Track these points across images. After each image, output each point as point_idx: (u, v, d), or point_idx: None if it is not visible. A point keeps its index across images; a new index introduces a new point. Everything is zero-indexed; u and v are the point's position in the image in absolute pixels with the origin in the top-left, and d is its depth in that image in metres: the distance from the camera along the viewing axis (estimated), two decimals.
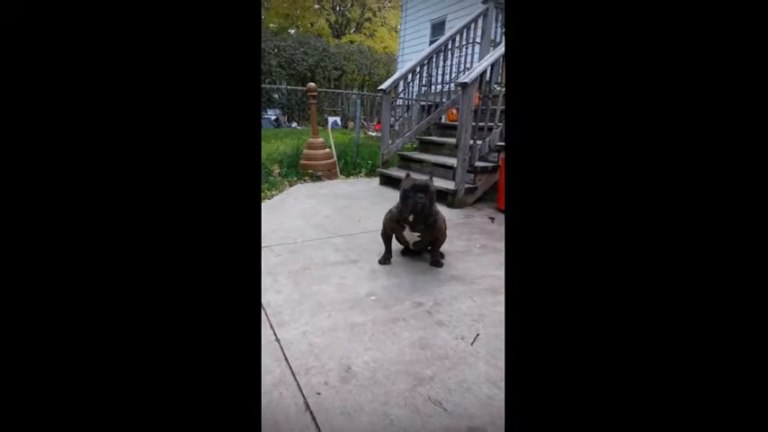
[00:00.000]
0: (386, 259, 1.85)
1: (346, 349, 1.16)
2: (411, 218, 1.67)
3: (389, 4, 16.43)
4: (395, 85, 3.79)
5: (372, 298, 1.49)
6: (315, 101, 3.90)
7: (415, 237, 1.77)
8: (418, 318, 1.36)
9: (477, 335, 1.26)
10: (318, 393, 0.97)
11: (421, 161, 3.59)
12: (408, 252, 1.97)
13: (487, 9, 4.19)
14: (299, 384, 1.00)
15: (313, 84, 3.93)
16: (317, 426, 0.88)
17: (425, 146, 4.01)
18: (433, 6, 7.94)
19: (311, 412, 0.91)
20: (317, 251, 1.97)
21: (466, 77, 2.80)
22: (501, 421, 0.90)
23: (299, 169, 3.91)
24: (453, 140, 3.56)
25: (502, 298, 1.52)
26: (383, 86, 3.70)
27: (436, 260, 1.84)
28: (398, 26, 10.51)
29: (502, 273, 1.77)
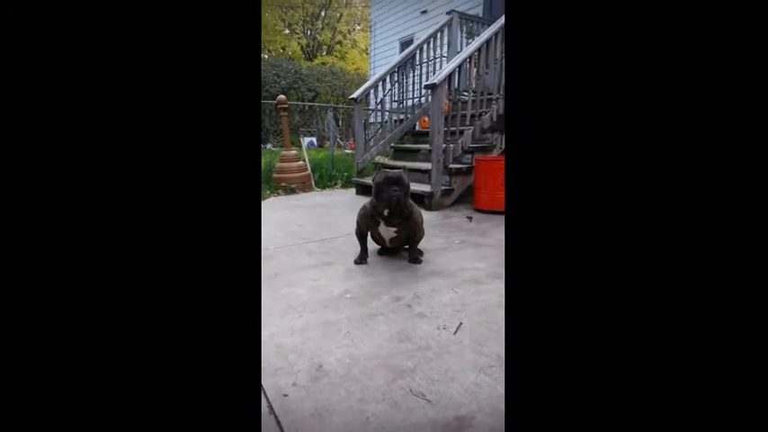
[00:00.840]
0: (362, 259, 1.76)
1: (318, 348, 1.05)
2: (386, 212, 1.60)
3: (359, 27, 16.88)
4: (366, 93, 3.79)
5: (348, 296, 1.39)
6: (286, 113, 3.85)
7: (391, 232, 1.69)
8: (397, 311, 1.26)
9: (461, 324, 1.17)
10: (285, 395, 0.86)
11: (397, 168, 3.55)
12: (385, 251, 1.89)
13: (452, 20, 4.32)
14: (263, 388, 0.88)
15: (283, 96, 3.88)
16: (283, 430, 0.76)
17: (400, 153, 3.99)
18: (402, 26, 8.19)
19: (275, 416, 0.79)
20: (289, 256, 1.85)
21: (435, 78, 2.81)
22: (490, 408, 0.81)
23: (272, 183, 3.80)
24: (427, 146, 3.57)
25: (485, 287, 1.45)
26: (354, 95, 3.70)
27: (415, 257, 1.76)
28: (368, 47, 10.76)
29: (483, 265, 1.70)
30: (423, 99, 4.27)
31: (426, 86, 2.98)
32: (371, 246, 1.84)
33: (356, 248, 1.81)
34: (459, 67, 2.98)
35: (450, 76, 2.90)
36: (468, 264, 1.72)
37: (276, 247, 1.99)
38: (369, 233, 1.78)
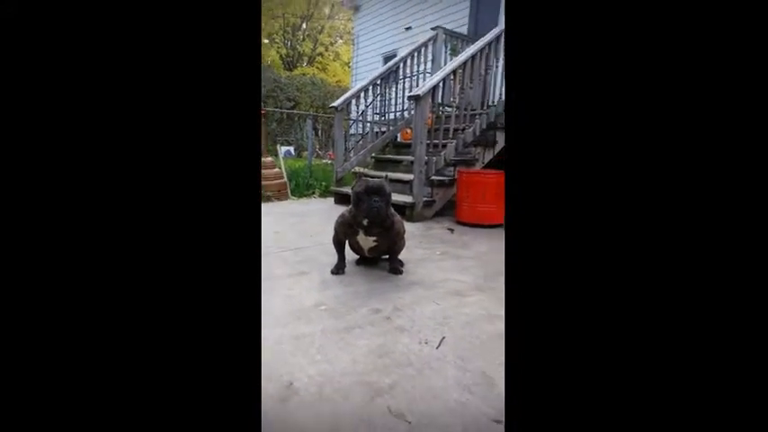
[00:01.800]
0: (339, 269, 1.67)
1: (287, 364, 0.95)
2: (365, 221, 1.52)
3: (341, 41, 17.03)
4: (347, 102, 3.75)
5: (323, 308, 1.29)
6: (264, 119, 3.74)
7: (370, 242, 1.62)
8: (375, 324, 1.18)
9: (443, 338, 1.11)
10: None
11: (378, 178, 3.50)
12: (364, 261, 1.81)
13: (437, 35, 4.38)
14: None
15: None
16: None
17: (382, 163, 3.95)
18: (386, 40, 8.27)
19: None
20: (262, 265, 1.74)
21: (419, 90, 2.80)
22: (475, 428, 0.74)
23: None
24: (409, 157, 3.54)
25: (468, 300, 1.39)
26: (336, 103, 3.65)
27: (395, 267, 1.69)
28: (350, 60, 10.82)
29: (465, 277, 1.65)
30: (405, 113, 4.28)
31: (410, 97, 2.97)
32: (350, 255, 1.75)
33: (333, 258, 1.73)
34: (444, 81, 2.99)
35: (434, 90, 2.91)
36: (450, 275, 1.67)
37: None
38: (347, 242, 1.70)
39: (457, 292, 1.47)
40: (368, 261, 1.80)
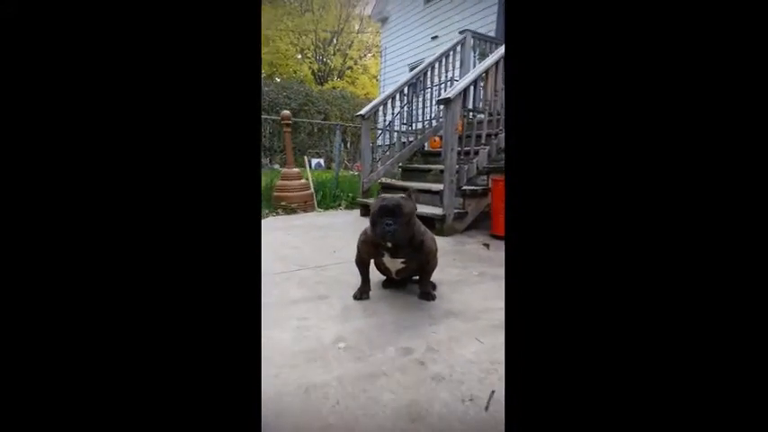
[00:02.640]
0: (362, 293, 1.46)
1: (294, 427, 0.74)
2: (389, 243, 1.30)
3: (370, 54, 17.19)
4: (374, 111, 3.60)
5: (341, 345, 1.08)
6: (289, 129, 3.65)
7: (398, 264, 1.39)
8: (406, 371, 0.95)
9: (493, 392, 0.86)
10: None
11: (405, 188, 3.27)
12: (391, 283, 1.59)
13: (464, 39, 4.18)
14: None
15: (287, 111, 3.71)
16: None
17: (409, 173, 3.74)
18: (412, 51, 8.18)
19: None
20: (276, 287, 1.56)
21: (449, 93, 2.59)
22: None
23: (271, 202, 3.55)
24: (438, 166, 3.32)
25: None
26: (362, 112, 3.50)
27: (427, 291, 1.46)
28: (378, 73, 10.81)
29: None
30: (433, 122, 4.07)
31: (439, 101, 2.76)
32: (376, 276, 1.54)
33: (357, 278, 1.52)
34: (474, 83, 2.76)
35: (464, 93, 2.68)
36: (492, 303, 1.41)
37: (263, 275, 1.70)
38: (372, 262, 1.49)
39: (503, 325, 1.21)
40: (395, 283, 1.58)
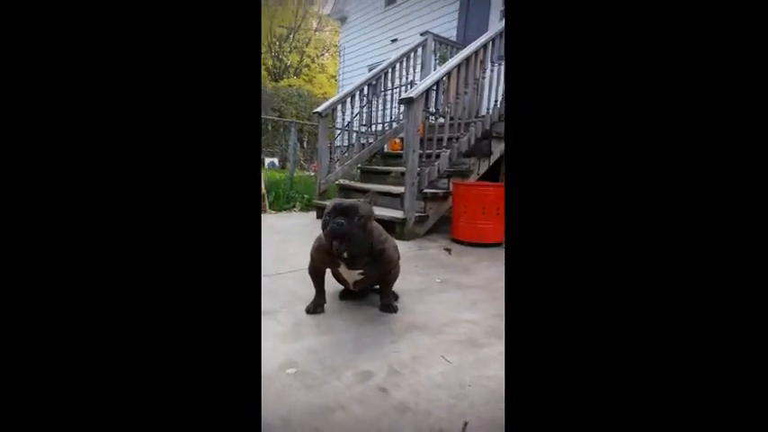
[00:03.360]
0: (316, 306, 1.31)
1: None
2: (345, 253, 1.16)
3: (328, 54, 16.89)
4: (332, 108, 3.44)
5: (291, 371, 0.93)
6: None
7: (355, 275, 1.26)
8: (366, 401, 0.82)
9: (466, 423, 0.76)
10: None
11: (364, 190, 3.16)
12: (349, 293, 1.45)
13: (426, 41, 4.15)
14: None
15: None
16: None
17: (368, 175, 3.63)
18: (371, 52, 8.09)
19: None
20: None
21: (411, 93, 2.51)
22: None
23: None
24: (398, 168, 3.23)
25: (486, 353, 1.05)
26: (320, 109, 3.33)
27: (388, 303, 1.34)
28: (336, 73, 10.61)
29: (476, 315, 1.31)
30: (393, 124, 3.99)
31: (402, 101, 2.67)
32: (331, 285, 1.39)
33: (311, 289, 1.36)
34: (437, 85, 2.71)
35: (426, 95, 2.62)
36: (457, 314, 1.33)
37: None
38: (329, 271, 1.34)
39: (470, 341, 1.12)
40: (354, 294, 1.44)
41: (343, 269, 1.24)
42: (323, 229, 1.14)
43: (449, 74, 2.74)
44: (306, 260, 1.37)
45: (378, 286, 1.40)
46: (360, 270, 1.23)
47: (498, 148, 3.12)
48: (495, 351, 1.06)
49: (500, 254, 2.28)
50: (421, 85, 2.57)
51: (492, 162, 3.11)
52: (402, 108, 3.94)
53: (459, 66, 2.76)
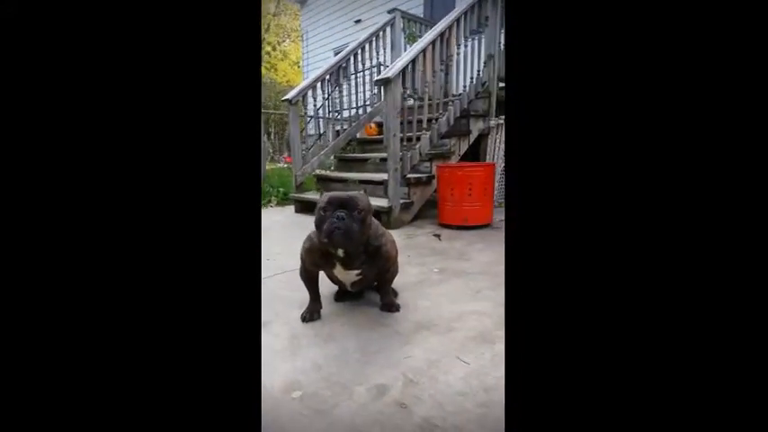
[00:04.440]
0: (312, 313, 1.20)
1: None
2: (340, 252, 1.05)
3: (289, 39, 16.21)
4: (303, 95, 3.24)
5: (296, 395, 0.82)
6: None
7: (352, 276, 1.15)
8: (386, 422, 0.73)
9: None
10: None
11: (344, 180, 3.02)
12: (344, 294, 1.34)
13: (394, 19, 3.98)
14: None
15: None
16: None
17: (346, 163, 3.49)
18: (335, 35, 7.76)
19: None
20: None
21: (388, 72, 2.37)
22: None
23: None
24: (377, 155, 3.11)
25: (500, 348, 0.98)
26: (289, 96, 3.13)
27: (389, 302, 1.25)
28: (300, 59, 10.17)
29: (483, 305, 1.24)
30: (367, 108, 3.83)
31: (377, 82, 2.54)
32: (324, 286, 1.27)
33: (302, 293, 1.24)
34: (413, 63, 2.58)
35: (402, 74, 2.49)
36: (463, 306, 1.25)
37: None
38: (323, 273, 1.22)
39: (482, 336, 1.05)
40: (350, 293, 1.34)
41: (338, 270, 1.13)
42: (317, 227, 1.02)
43: (424, 51, 2.61)
44: (294, 259, 1.24)
45: (375, 284, 1.30)
46: (357, 270, 1.12)
47: (476, 126, 3.05)
48: None
49: (491, 235, 2.23)
50: (397, 64, 2.44)
51: (471, 141, 3.04)
52: (376, 90, 3.80)
53: (433, 42, 2.64)
